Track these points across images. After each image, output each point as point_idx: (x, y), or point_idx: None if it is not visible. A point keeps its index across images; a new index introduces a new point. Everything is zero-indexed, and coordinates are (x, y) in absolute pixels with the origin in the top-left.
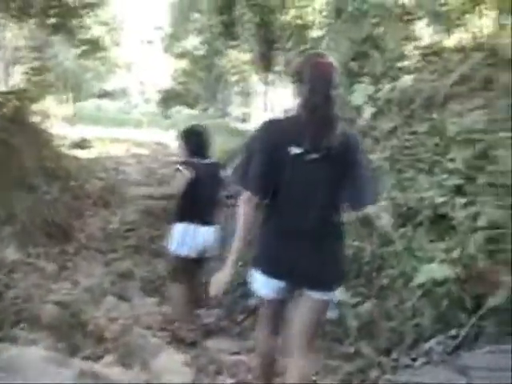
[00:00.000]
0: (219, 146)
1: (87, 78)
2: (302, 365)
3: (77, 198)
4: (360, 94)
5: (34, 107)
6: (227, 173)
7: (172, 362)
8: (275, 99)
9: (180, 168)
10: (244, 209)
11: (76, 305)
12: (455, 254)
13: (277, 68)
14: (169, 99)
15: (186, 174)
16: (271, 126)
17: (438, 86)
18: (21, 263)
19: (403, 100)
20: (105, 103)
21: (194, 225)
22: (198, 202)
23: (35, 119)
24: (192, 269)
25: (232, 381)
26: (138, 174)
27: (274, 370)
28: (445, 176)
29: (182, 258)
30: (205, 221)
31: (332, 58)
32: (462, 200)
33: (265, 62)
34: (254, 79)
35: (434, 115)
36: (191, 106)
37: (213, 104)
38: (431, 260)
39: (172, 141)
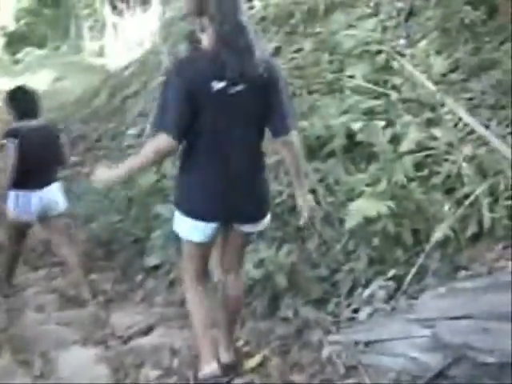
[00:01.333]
0: (81, 85)
1: None
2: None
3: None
4: None
5: None
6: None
7: (80, 360)
8: (127, 29)
9: (4, 141)
10: (150, 149)
11: None
12: (382, 185)
13: None
14: (15, 42)
15: (11, 147)
16: (186, 65)
17: None
18: None
19: (280, 16)
20: None
21: (27, 190)
22: (29, 168)
23: None
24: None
25: (158, 372)
26: None
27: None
28: (354, 97)
29: (23, 223)
30: (41, 183)
31: None
32: (379, 122)
33: None
34: (105, 11)
35: (319, 29)
36: (41, 46)
37: (64, 41)
38: (353, 194)
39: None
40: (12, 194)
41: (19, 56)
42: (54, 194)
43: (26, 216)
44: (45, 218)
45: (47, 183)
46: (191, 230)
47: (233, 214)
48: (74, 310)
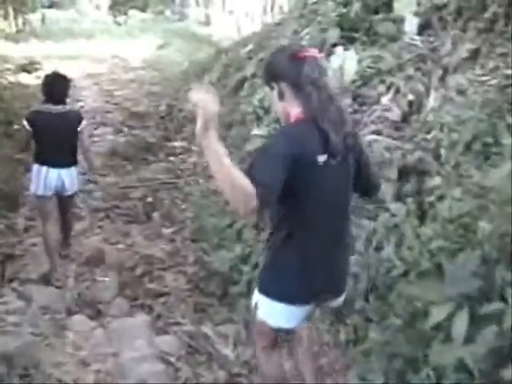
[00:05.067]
0: (186, 55)
1: None
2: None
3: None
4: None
5: None
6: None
7: None
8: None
9: (24, 123)
10: (247, 190)
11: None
12: None
13: None
14: (119, 4)
15: (28, 128)
16: (291, 136)
17: None
18: None
19: (467, 6)
20: (52, 14)
21: (46, 167)
22: (48, 148)
23: None
24: (52, 206)
25: None
26: (95, 99)
27: None
28: None
29: (41, 197)
30: (57, 164)
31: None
32: None
33: None
34: None
35: None
36: (144, 9)
37: (168, 6)
38: None
39: (129, 53)
40: (34, 169)
41: (122, 19)
42: (70, 176)
43: (43, 190)
44: (60, 195)
45: (65, 165)
46: (283, 316)
47: (329, 290)
48: None
